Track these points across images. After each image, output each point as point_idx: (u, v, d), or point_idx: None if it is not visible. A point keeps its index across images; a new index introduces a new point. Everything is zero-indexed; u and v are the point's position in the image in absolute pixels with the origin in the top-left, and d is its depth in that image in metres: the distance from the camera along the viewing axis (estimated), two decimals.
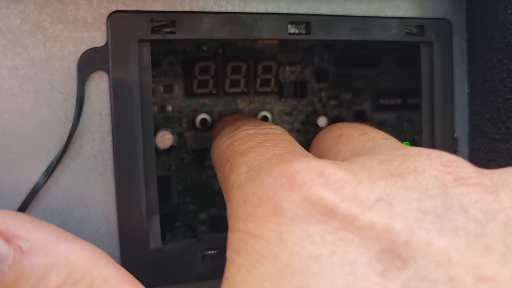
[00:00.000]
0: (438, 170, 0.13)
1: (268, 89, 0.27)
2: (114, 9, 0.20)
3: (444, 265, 0.11)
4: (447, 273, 0.11)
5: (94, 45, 0.20)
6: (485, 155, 0.25)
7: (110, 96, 0.20)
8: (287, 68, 0.27)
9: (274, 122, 0.27)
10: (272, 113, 0.27)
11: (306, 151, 0.17)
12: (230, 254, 0.13)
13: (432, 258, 0.11)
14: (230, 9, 0.22)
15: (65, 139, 0.20)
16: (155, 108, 0.25)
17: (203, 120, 0.26)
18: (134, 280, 0.15)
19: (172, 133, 0.24)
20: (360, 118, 0.29)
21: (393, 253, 0.11)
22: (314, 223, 0.12)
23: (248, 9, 0.22)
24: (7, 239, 0.15)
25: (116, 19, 0.20)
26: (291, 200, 0.13)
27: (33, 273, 0.14)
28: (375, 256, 0.11)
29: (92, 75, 0.20)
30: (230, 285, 0.13)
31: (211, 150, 0.21)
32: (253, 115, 0.27)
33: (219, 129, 0.22)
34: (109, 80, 0.20)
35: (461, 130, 0.27)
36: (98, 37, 0.20)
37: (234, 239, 0.13)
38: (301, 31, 0.23)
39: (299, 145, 0.18)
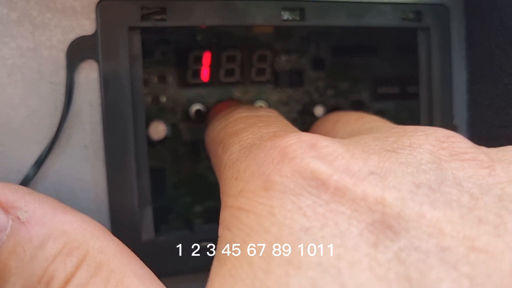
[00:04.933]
0: (433, 145, 0.13)
1: (263, 79, 0.26)
2: None
3: (436, 237, 0.11)
4: (439, 244, 0.11)
5: (83, 34, 0.20)
6: (485, 142, 0.25)
7: (100, 85, 0.20)
8: (283, 57, 0.27)
9: None
10: (268, 102, 0.27)
11: (300, 131, 0.17)
12: (221, 230, 0.13)
13: (425, 229, 0.11)
14: None
15: (55, 129, 0.19)
16: (149, 99, 0.24)
17: (198, 111, 0.25)
18: (129, 251, 0.15)
19: (166, 124, 0.24)
20: (358, 107, 0.28)
21: (385, 225, 0.11)
22: (305, 196, 0.12)
23: None
24: (6, 209, 0.15)
25: (105, 6, 0.20)
26: (282, 173, 0.13)
27: (30, 243, 0.15)
28: (366, 227, 0.11)
29: (82, 65, 0.20)
30: (220, 261, 0.13)
31: (205, 135, 0.21)
32: None
33: (213, 114, 0.22)
34: (99, 69, 0.20)
35: (460, 118, 0.26)
36: (87, 26, 0.20)
37: (225, 216, 0.13)
38: (295, 17, 0.22)
39: (294, 126, 0.18)
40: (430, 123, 0.25)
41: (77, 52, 0.20)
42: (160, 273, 0.19)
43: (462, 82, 0.26)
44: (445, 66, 0.25)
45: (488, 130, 0.25)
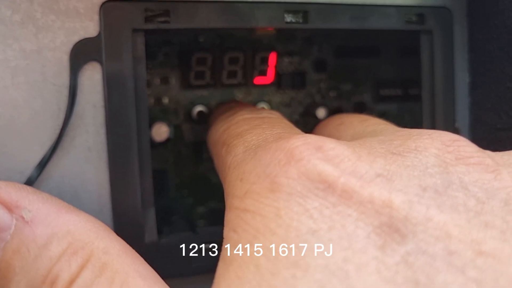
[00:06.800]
0: (439, 149, 0.13)
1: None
2: None
3: (443, 240, 0.11)
4: (446, 248, 0.11)
5: (87, 36, 0.20)
6: (487, 145, 0.25)
7: (104, 87, 0.20)
8: (285, 59, 0.27)
9: None
10: (270, 104, 0.27)
11: (303, 132, 0.17)
12: (226, 232, 0.13)
13: (432, 233, 0.11)
14: None
15: (58, 131, 0.20)
16: (152, 100, 0.25)
17: (200, 112, 0.25)
18: (133, 251, 0.15)
19: (169, 126, 0.24)
20: (360, 109, 0.28)
21: (392, 228, 0.11)
22: (312, 198, 0.12)
23: None
24: (10, 209, 0.15)
25: (109, 8, 0.20)
26: (288, 175, 0.12)
27: (34, 242, 0.15)
28: (374, 230, 0.11)
29: (85, 66, 0.20)
30: (226, 263, 0.13)
31: (207, 137, 0.21)
32: None
33: (215, 116, 0.22)
34: (103, 71, 0.20)
35: (462, 120, 0.26)
36: (91, 27, 0.20)
37: (231, 217, 0.13)
38: (298, 19, 0.22)
39: (297, 128, 0.18)
40: (432, 126, 0.25)
41: (81, 54, 0.20)
42: (163, 275, 0.19)
43: (464, 84, 0.26)
44: (448, 69, 0.25)
45: (490, 133, 0.25)
